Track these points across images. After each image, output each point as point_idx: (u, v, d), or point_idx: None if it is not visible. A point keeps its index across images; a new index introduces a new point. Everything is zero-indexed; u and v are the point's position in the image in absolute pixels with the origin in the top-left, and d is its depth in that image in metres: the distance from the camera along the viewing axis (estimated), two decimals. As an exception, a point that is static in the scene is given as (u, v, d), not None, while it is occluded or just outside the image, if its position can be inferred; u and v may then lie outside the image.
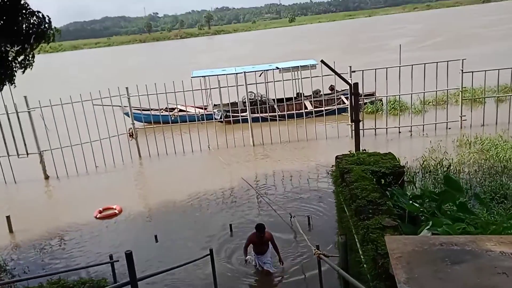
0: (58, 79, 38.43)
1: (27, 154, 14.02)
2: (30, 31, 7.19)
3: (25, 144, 13.84)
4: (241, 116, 16.48)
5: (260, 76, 17.86)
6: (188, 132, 15.57)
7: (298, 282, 7.64)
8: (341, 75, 10.77)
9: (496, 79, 14.81)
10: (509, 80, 14.94)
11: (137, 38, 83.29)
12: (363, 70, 14.51)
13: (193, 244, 9.16)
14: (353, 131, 9.61)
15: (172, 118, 16.77)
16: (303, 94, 18.13)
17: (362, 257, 4.34)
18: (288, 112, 16.34)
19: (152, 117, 16.31)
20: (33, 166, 14.09)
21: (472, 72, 14.35)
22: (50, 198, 13.41)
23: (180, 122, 16.02)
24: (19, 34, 7.10)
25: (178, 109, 18.03)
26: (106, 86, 14.79)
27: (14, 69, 7.36)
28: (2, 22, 6.95)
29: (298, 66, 16.73)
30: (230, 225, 9.71)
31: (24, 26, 7.14)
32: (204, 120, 16.04)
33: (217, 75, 16.91)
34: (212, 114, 17.13)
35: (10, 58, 7.37)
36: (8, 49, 7.31)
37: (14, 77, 7.39)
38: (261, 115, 16.38)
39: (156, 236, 9.54)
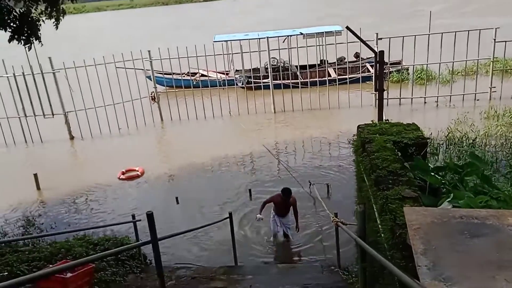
0: (82, 40, 38.63)
1: (53, 114, 14.35)
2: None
3: (50, 105, 14.15)
4: (263, 82, 16.33)
5: (283, 41, 17.48)
6: (210, 97, 15.56)
7: (315, 248, 7.76)
8: (367, 42, 10.44)
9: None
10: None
11: (160, 1, 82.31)
12: (390, 38, 14.01)
13: (213, 206, 9.36)
14: (377, 101, 9.40)
15: (194, 83, 16.74)
16: (327, 61, 17.70)
17: (380, 226, 4.33)
18: (311, 80, 16.07)
19: (174, 81, 16.33)
20: (59, 126, 14.44)
21: (506, 41, 13.69)
22: (75, 158, 13.81)
23: (202, 87, 16.00)
24: None
25: (200, 74, 17.95)
26: (130, 48, 14.81)
27: (39, 26, 7.41)
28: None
29: (323, 32, 16.27)
30: (250, 189, 9.84)
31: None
32: (225, 86, 15.97)
33: (240, 39, 16.65)
34: (233, 79, 17.00)
35: (35, 16, 7.42)
36: (34, 7, 7.34)
37: (39, 34, 7.44)
38: (283, 81, 16.17)
39: (177, 198, 9.78)
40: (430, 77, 16.61)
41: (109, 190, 10.77)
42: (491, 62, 14.48)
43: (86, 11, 76.36)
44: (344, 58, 17.40)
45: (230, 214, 7.31)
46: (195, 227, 7.28)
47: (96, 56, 14.38)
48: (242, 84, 17.19)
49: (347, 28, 8.67)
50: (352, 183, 9.18)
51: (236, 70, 18.35)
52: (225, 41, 16.89)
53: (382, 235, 4.17)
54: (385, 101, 13.54)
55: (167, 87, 17.23)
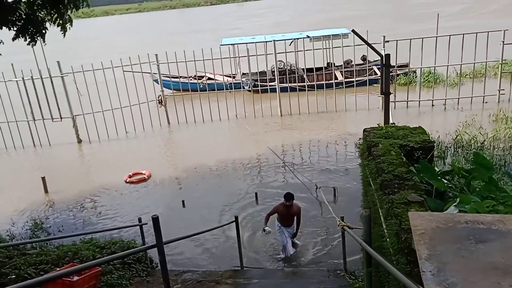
0: (90, 45, 39.00)
1: (61, 118, 14.49)
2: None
3: (58, 109, 14.28)
4: (270, 85, 16.34)
5: (290, 45, 17.50)
6: (216, 100, 15.60)
7: (322, 252, 7.73)
8: (374, 44, 10.39)
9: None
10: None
11: (167, 4, 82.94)
12: (397, 40, 13.98)
13: (219, 210, 9.37)
14: (383, 104, 9.36)
15: (201, 86, 16.81)
16: (334, 64, 17.69)
17: (385, 231, 4.31)
18: (318, 83, 16.05)
19: (181, 85, 16.40)
20: (67, 130, 14.57)
21: (515, 43, 13.56)
22: (82, 161, 13.90)
23: (209, 90, 16.06)
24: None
25: (207, 77, 18.01)
26: (138, 52, 14.91)
27: (45, 26, 7.45)
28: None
29: (330, 35, 16.25)
30: (256, 193, 9.83)
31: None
32: (232, 89, 16.01)
33: (246, 43, 16.69)
34: (240, 82, 17.04)
35: (40, 18, 7.46)
36: (40, 11, 7.40)
37: (45, 33, 7.49)
38: (290, 84, 16.17)
39: (183, 201, 9.80)
40: (438, 79, 16.51)
41: (116, 193, 10.83)
42: (500, 65, 14.36)
43: (94, 15, 77.10)
44: (351, 61, 17.35)
45: (236, 217, 7.31)
46: (201, 230, 7.28)
47: (104, 60, 14.50)
48: (249, 87, 17.22)
49: (353, 31, 8.65)
50: (359, 187, 9.13)
51: (243, 73, 18.38)
52: (231, 44, 16.94)
53: (388, 239, 4.15)
54: (392, 104, 13.54)
55: (174, 91, 17.32)
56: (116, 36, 46.33)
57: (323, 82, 15.80)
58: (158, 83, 15.90)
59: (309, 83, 16.13)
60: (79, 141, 14.78)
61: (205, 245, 8.22)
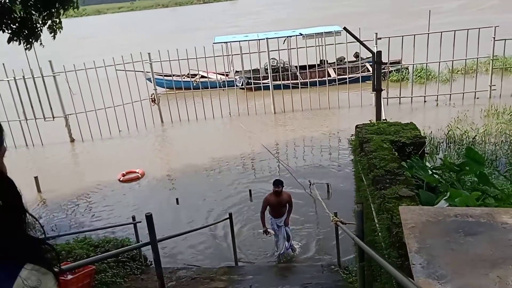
0: (82, 44, 38.76)
1: (53, 117, 14.41)
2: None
3: (51, 108, 14.20)
4: (263, 83, 16.35)
5: (283, 43, 17.52)
6: (210, 98, 15.59)
7: (315, 248, 7.78)
8: (367, 41, 10.44)
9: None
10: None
11: (159, 3, 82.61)
12: (389, 37, 14.03)
13: (213, 207, 9.39)
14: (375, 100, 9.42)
15: (194, 84, 16.79)
16: (327, 61, 17.74)
17: (377, 225, 4.35)
18: (311, 80, 16.09)
19: (174, 83, 16.36)
20: (59, 129, 14.49)
21: (505, 40, 13.67)
22: (75, 160, 13.85)
23: (202, 88, 16.05)
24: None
25: (200, 75, 17.99)
26: (133, 50, 14.86)
27: (40, 29, 7.45)
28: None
29: (322, 33, 16.29)
30: (250, 190, 9.86)
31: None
32: (225, 87, 16.00)
33: (239, 41, 16.69)
34: (233, 80, 17.04)
35: (35, 21, 7.45)
36: (34, 14, 7.38)
37: (40, 36, 7.48)
38: (283, 82, 16.20)
39: (177, 199, 9.81)
40: (430, 76, 16.61)
41: (110, 192, 10.81)
42: (491, 61, 14.48)
43: (86, 14, 76.56)
44: (344, 58, 17.43)
45: (230, 214, 7.33)
46: (195, 228, 7.31)
47: (96, 59, 14.43)
48: (242, 85, 17.23)
49: (345, 29, 8.70)
50: (352, 183, 9.19)
51: (236, 71, 18.39)
52: (224, 42, 16.93)
53: (379, 234, 4.19)
54: (385, 101, 13.62)
55: (167, 89, 17.29)
56: (109, 35, 46.06)
57: (316, 79, 15.84)
58: (151, 82, 15.86)
59: (302, 81, 16.17)
60: (72, 140, 14.71)
61: (199, 242, 8.23)
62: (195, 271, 6.90)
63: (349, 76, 15.74)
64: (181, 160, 12.33)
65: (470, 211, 3.16)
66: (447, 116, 12.61)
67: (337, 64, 16.94)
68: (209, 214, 9.14)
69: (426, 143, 8.95)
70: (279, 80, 16.38)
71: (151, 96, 15.96)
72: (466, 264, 2.56)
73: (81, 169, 12.94)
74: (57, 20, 7.48)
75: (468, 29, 13.80)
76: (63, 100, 14.42)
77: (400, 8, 41.86)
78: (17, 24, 7.25)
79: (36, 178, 10.97)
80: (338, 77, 15.98)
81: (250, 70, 17.35)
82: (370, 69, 17.12)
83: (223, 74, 17.86)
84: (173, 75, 16.24)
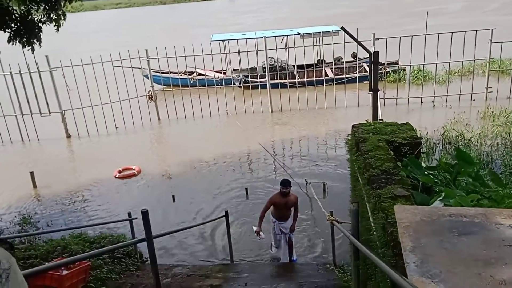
0: (79, 39, 38.59)
1: (50, 113, 14.36)
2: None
3: (47, 103, 14.15)
4: (260, 81, 16.36)
5: (281, 42, 17.54)
6: (207, 96, 15.58)
7: (311, 247, 7.81)
8: (365, 42, 10.53)
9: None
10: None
11: (158, 0, 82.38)
12: (386, 38, 14.09)
13: (209, 205, 9.41)
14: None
15: (191, 82, 16.77)
16: (324, 61, 17.77)
17: (372, 224, 4.38)
18: (308, 79, 16.10)
19: (171, 80, 16.34)
20: (55, 125, 14.44)
21: (502, 42, 13.75)
22: (71, 156, 13.81)
23: (199, 86, 16.04)
24: None
25: (197, 73, 17.99)
26: (128, 47, 14.81)
27: (40, 29, 7.44)
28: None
29: (320, 32, 16.32)
30: (246, 188, 9.88)
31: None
32: (222, 85, 16.00)
33: (237, 39, 16.68)
34: (231, 78, 17.03)
35: (36, 19, 7.44)
36: (34, 8, 7.36)
37: (40, 36, 7.48)
38: (280, 81, 16.21)
39: (173, 196, 9.82)
40: (427, 77, 16.67)
41: (106, 188, 10.80)
42: (488, 63, 14.56)
43: (84, 10, 76.20)
44: (341, 58, 17.46)
45: (226, 212, 7.35)
46: (191, 225, 7.32)
47: (93, 54, 14.39)
48: (240, 83, 17.23)
49: (342, 28, 8.72)
50: (348, 182, 9.23)
51: (234, 69, 18.39)
52: (222, 40, 16.91)
53: (375, 233, 4.22)
54: (382, 101, 13.67)
55: (164, 86, 17.25)
56: (111, 31, 45.88)
57: (314, 78, 15.88)
58: (148, 78, 15.83)
59: (299, 80, 16.20)
60: (68, 136, 14.67)
61: (195, 239, 8.24)
62: (191, 268, 6.92)
63: (347, 76, 15.77)
64: (177, 157, 12.33)
65: (464, 211, 3.20)
66: (443, 118, 12.67)
67: (335, 64, 16.98)
68: (205, 211, 9.15)
69: (422, 144, 9.00)
70: (277, 79, 16.39)
71: (148, 93, 15.93)
72: (459, 263, 2.60)
73: (77, 165, 12.91)
74: (61, 12, 7.46)
75: (465, 31, 13.85)
76: (59, 95, 14.37)
77: (400, 9, 41.93)
78: (17, 24, 7.24)
79: (31, 173, 10.94)
80: (336, 77, 16.02)
81: (247, 68, 17.37)
82: (368, 69, 17.19)
83: (220, 72, 17.86)
84: (170, 72, 16.21)
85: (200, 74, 17.84)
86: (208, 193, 9.98)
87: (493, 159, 9.37)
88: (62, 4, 7.42)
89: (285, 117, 15.09)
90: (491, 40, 14.02)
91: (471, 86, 14.50)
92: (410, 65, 15.37)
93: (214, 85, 16.14)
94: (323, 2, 54.89)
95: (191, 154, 12.30)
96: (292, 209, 7.02)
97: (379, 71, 15.66)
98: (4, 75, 13.85)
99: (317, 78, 15.92)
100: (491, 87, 14.38)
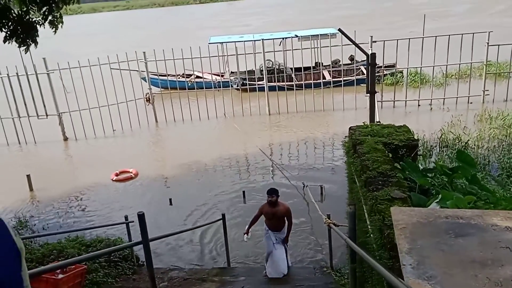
0: (77, 41, 38.56)
1: (47, 115, 14.31)
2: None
3: (44, 106, 14.11)
4: (258, 84, 16.36)
5: (279, 44, 17.56)
6: (205, 99, 15.57)
7: (308, 250, 7.79)
8: (363, 44, 10.53)
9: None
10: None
11: (155, 2, 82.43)
12: (384, 41, 14.12)
13: (206, 208, 9.37)
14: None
15: (189, 84, 16.76)
16: (322, 63, 17.80)
17: (369, 227, 4.37)
18: (306, 82, 16.12)
19: (169, 83, 16.33)
20: (52, 127, 14.39)
21: (498, 45, 13.79)
22: (68, 159, 13.76)
23: (197, 89, 16.03)
24: None
25: (195, 76, 17.98)
26: (128, 50, 14.80)
27: (37, 30, 7.42)
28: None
29: (318, 35, 16.34)
30: (243, 191, 9.85)
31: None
32: (220, 87, 16.00)
33: (235, 41, 16.71)
34: (228, 81, 17.03)
35: (32, 20, 7.42)
36: (33, 9, 7.35)
37: (37, 38, 7.46)
38: (278, 84, 16.22)
39: (170, 200, 9.78)
40: (424, 80, 16.71)
41: (103, 191, 10.75)
42: (484, 66, 14.60)
43: (82, 12, 76.26)
44: (339, 61, 17.48)
45: (223, 215, 7.33)
46: (188, 228, 7.29)
47: (91, 57, 14.37)
48: (237, 86, 17.23)
49: (340, 30, 8.73)
50: (346, 185, 9.22)
51: (231, 72, 18.39)
52: (220, 43, 16.91)
53: (371, 235, 4.21)
54: (379, 104, 13.68)
55: (162, 89, 17.24)
56: (107, 33, 45.86)
57: (311, 81, 15.88)
58: (146, 81, 15.82)
59: (297, 83, 16.20)
60: (65, 138, 14.62)
61: (192, 243, 8.21)
62: (187, 272, 6.89)
63: (344, 78, 15.79)
64: (175, 160, 12.30)
65: (460, 213, 3.18)
66: (440, 120, 12.68)
67: (332, 67, 16.99)
68: (202, 214, 9.12)
69: (419, 146, 9.00)
70: (274, 81, 16.40)
71: (146, 95, 15.91)
72: (456, 265, 2.58)
73: (74, 168, 12.86)
74: (58, 15, 7.45)
75: (462, 34, 13.89)
76: (57, 98, 14.34)
77: (404, 11, 42.06)
78: (14, 24, 7.21)
79: (28, 176, 10.89)
80: (333, 79, 16.03)
81: (245, 71, 17.37)
82: (365, 72, 17.22)
83: (218, 75, 17.86)
84: (168, 75, 16.20)
85: (198, 77, 17.83)
86: (205, 196, 9.95)
87: (490, 162, 9.38)
88: (61, 5, 7.41)
89: (283, 120, 15.09)
90: (488, 43, 14.07)
91: (468, 89, 14.52)
92: (408, 68, 15.39)
93: (212, 88, 16.12)
94: (326, 5, 55.09)
95: (188, 157, 12.28)
96: (285, 219, 6.64)
97: (377, 74, 15.76)
98: (1, 77, 13.81)
99: (314, 81, 15.93)
100: (488, 90, 14.42)
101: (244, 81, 17.00)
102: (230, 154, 12.31)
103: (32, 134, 14.23)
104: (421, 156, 6.94)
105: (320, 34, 16.28)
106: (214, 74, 17.66)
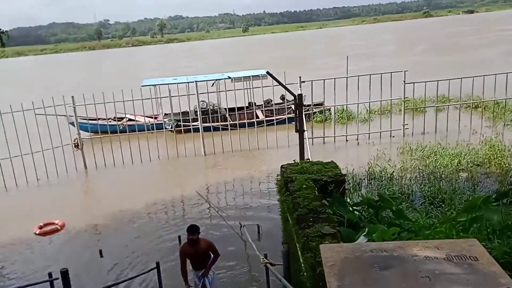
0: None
1: (-40, 167, 13.11)
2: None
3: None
4: (192, 125, 16.35)
5: (212, 85, 17.83)
6: (138, 142, 15.19)
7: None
8: (292, 84, 11.05)
9: (438, 89, 15.73)
10: (446, 91, 16.03)
11: (86, 45, 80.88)
12: (312, 81, 14.91)
13: (141, 257, 8.91)
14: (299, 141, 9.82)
15: (121, 128, 16.33)
16: (255, 103, 18.28)
17: (302, 265, 4.40)
18: (240, 122, 16.40)
19: (99, 127, 15.80)
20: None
21: (414, 83, 15.11)
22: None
23: (129, 132, 15.64)
24: None
25: (127, 119, 17.59)
26: (54, 95, 14.18)
27: None
28: None
29: (250, 76, 16.85)
30: (179, 236, 9.52)
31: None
32: (154, 130, 15.75)
33: (168, 84, 16.71)
34: (162, 123, 16.84)
35: None
36: None
37: None
38: (212, 124, 16.32)
39: (100, 251, 9.19)
40: (351, 116, 17.70)
41: (24, 247, 9.86)
42: (403, 102, 15.83)
43: (5, 56, 72.57)
44: (271, 100, 18.07)
45: (158, 264, 7.01)
46: (119, 280, 6.86)
47: (14, 103, 13.56)
48: (171, 127, 17.08)
49: (268, 73, 9.09)
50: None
51: (165, 114, 18.24)
52: (153, 85, 16.82)
53: (305, 273, 4.24)
54: (309, 140, 14.19)
55: (92, 133, 16.60)
56: (29, 78, 43.77)
57: (245, 121, 16.19)
58: (75, 126, 15.16)
59: (231, 122, 16.41)
60: (-18, 191, 13.41)
61: (125, 296, 7.70)
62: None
63: (276, 117, 16.28)
64: (106, 208, 11.69)
65: (384, 245, 3.32)
66: (367, 154, 13.41)
67: (265, 106, 17.50)
68: (136, 264, 8.64)
69: (347, 181, 9.37)
70: (209, 122, 16.49)
71: (74, 141, 15.21)
72: (381, 299, 2.66)
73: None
74: None
75: (381, 74, 15.07)
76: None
77: (340, 52, 45.33)
78: None
79: None
80: (266, 118, 16.47)
81: (179, 112, 17.33)
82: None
83: (151, 117, 17.62)
84: (99, 119, 15.68)
85: (130, 120, 17.46)
86: (139, 245, 9.49)
87: (414, 191, 9.97)
88: None
89: (218, 160, 15.09)
90: (404, 81, 15.36)
91: (390, 124, 15.60)
92: (335, 106, 16.29)
93: (145, 131, 15.82)
94: (266, 46, 57.63)
95: (121, 203, 11.74)
96: (211, 254, 6.39)
97: (307, 112, 16.46)
98: None
99: (248, 120, 16.25)
100: (407, 124, 15.58)
101: (179, 123, 16.91)
102: (166, 198, 11.97)
103: None
104: (348, 190, 7.23)
105: (252, 76, 16.80)
106: (147, 117, 17.42)
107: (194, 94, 15.78)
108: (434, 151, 12.70)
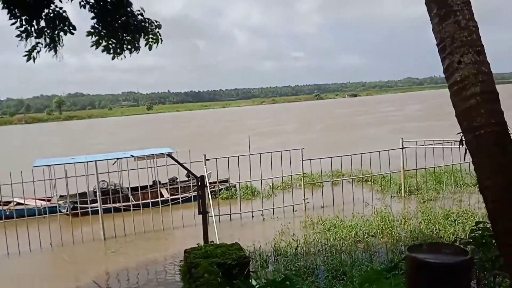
0: None
1: None
2: None
3: None
4: (91, 207, 15.33)
5: (113, 164, 17.19)
6: (26, 228, 13.70)
7: None
8: (197, 162, 11.13)
9: (332, 165, 17.06)
10: (340, 166, 17.50)
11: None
12: (216, 159, 15.24)
13: None
14: (202, 223, 9.74)
15: (7, 213, 14.68)
16: (160, 181, 17.93)
17: None
18: (144, 201, 15.82)
19: (-20, 213, 14.03)
20: None
21: (310, 159, 16.24)
22: None
23: (16, 217, 14.09)
24: None
25: (15, 203, 15.95)
26: None
27: None
28: None
29: (153, 154, 16.65)
30: (71, 336, 8.48)
31: None
32: (47, 214, 14.41)
33: (64, 164, 15.73)
34: (56, 206, 15.54)
35: None
36: None
37: None
38: (113, 205, 15.49)
39: None
40: (255, 192, 18.18)
41: None
42: (302, 177, 16.81)
43: None
44: (176, 178, 17.92)
45: None
46: None
47: None
48: (67, 210, 15.81)
49: (168, 155, 9.15)
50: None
51: (60, 196, 16.94)
52: (47, 166, 15.69)
53: None
54: (216, 218, 14.10)
55: (-30, 221, 14.62)
56: None
57: (149, 200, 15.68)
58: None
59: (134, 202, 15.75)
60: None
61: None
62: None
63: (182, 196, 16.06)
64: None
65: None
66: (272, 229, 13.68)
67: (170, 184, 17.23)
68: None
69: (254, 258, 9.39)
70: (110, 202, 15.63)
71: None
72: None
73: None
74: None
75: (281, 151, 16.02)
76: None
77: (248, 129, 48.12)
78: None
79: None
80: (171, 197, 16.15)
81: (76, 194, 16.23)
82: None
83: (44, 200, 16.20)
84: (-21, 205, 13.98)
85: (18, 203, 15.84)
86: None
87: (318, 265, 10.27)
88: None
89: (119, 244, 14.13)
90: (302, 158, 16.42)
91: (292, 198, 16.31)
92: (239, 182, 16.68)
93: (36, 215, 14.39)
94: (172, 124, 58.33)
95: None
96: None
97: (213, 189, 16.55)
98: None
99: (152, 200, 15.77)
100: (308, 198, 16.42)
101: (75, 205, 15.75)
102: (57, 292, 10.72)
103: None
104: (255, 269, 7.24)
105: (156, 154, 16.62)
106: (39, 199, 15.97)
107: (94, 174, 15.03)
108: (334, 223, 13.39)
